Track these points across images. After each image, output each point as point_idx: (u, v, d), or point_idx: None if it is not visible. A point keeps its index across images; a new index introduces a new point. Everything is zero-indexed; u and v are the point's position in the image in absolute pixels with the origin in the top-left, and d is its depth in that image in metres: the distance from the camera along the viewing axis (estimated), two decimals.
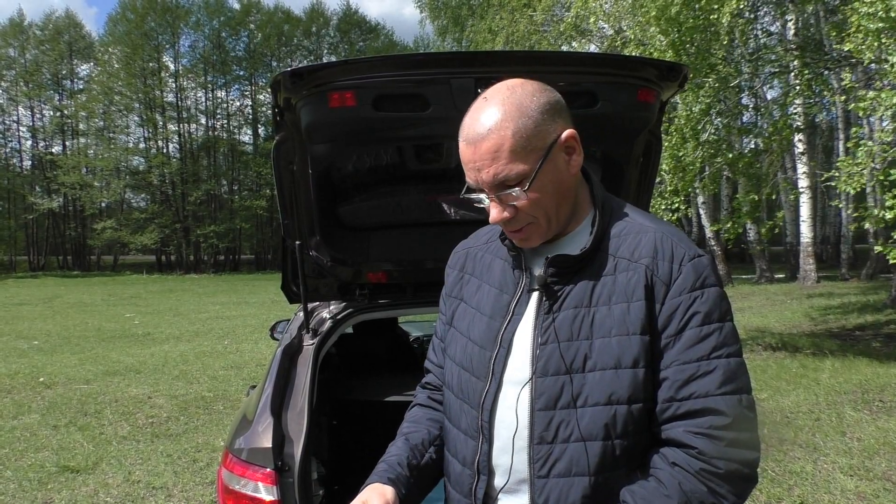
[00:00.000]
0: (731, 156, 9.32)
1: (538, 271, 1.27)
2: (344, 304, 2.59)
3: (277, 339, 4.28)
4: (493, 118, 1.17)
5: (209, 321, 15.06)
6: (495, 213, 1.21)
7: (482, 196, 1.23)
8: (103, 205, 44.75)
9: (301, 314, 2.57)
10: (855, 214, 7.85)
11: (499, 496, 1.27)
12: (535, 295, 1.27)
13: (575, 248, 1.25)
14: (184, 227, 40.96)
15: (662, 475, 1.14)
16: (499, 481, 1.26)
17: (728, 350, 1.15)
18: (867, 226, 7.70)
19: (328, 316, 2.53)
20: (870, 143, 7.18)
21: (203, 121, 46.53)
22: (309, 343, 2.39)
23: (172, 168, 42.86)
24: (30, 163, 45.79)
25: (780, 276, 22.96)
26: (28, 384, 8.26)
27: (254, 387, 3.33)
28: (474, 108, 1.22)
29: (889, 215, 6.72)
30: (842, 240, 23.20)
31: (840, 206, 15.77)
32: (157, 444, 5.82)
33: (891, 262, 7.08)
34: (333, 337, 2.47)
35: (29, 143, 44.98)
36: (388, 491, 1.28)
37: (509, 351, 1.27)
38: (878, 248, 7.20)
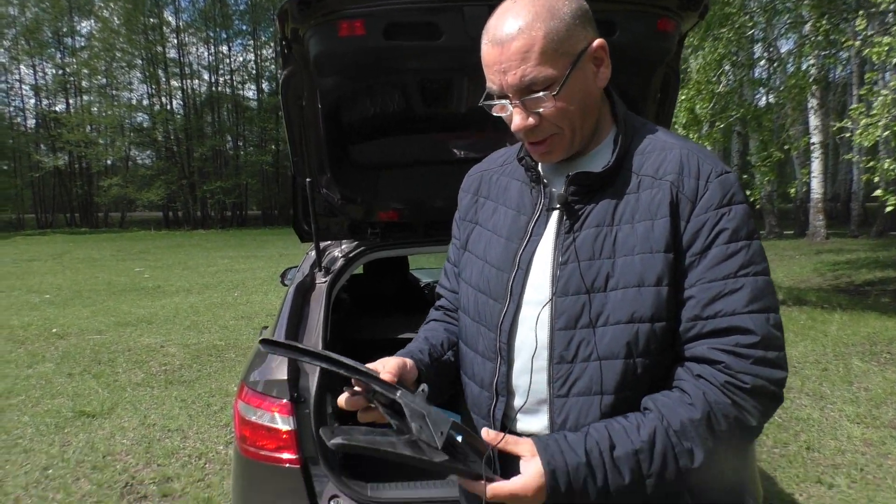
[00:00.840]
0: (742, 109, 9.19)
1: (557, 191, 1.25)
2: (355, 243, 2.58)
3: (287, 286, 4.31)
4: (523, 18, 1.13)
5: (218, 274, 15.15)
6: (519, 119, 1.18)
7: (504, 102, 1.19)
8: (109, 162, 44.62)
9: (312, 253, 2.56)
10: (868, 166, 7.77)
11: (517, 416, 1.27)
12: (554, 214, 1.25)
13: (597, 166, 1.22)
14: (190, 184, 40.84)
15: (686, 386, 1.13)
16: (517, 402, 1.26)
17: (756, 268, 1.13)
18: (876, 179, 7.64)
19: (339, 255, 2.53)
20: (884, 91, 7.06)
21: (206, 77, 46.05)
22: (321, 281, 2.39)
23: (177, 124, 42.57)
24: (34, 121, 45.57)
25: (789, 232, 22.86)
26: (41, 335, 8.36)
27: (266, 328, 3.35)
28: (502, 8, 1.18)
29: None
30: (852, 197, 23.02)
31: (854, 159, 15.59)
32: (171, 391, 5.91)
33: (889, 208, 7.04)
34: (346, 275, 2.47)
35: (32, 101, 44.67)
36: (409, 361, 1.29)
37: (528, 272, 1.25)
38: (889, 207, 7.13)
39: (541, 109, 1.17)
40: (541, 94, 1.15)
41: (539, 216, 1.26)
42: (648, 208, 1.17)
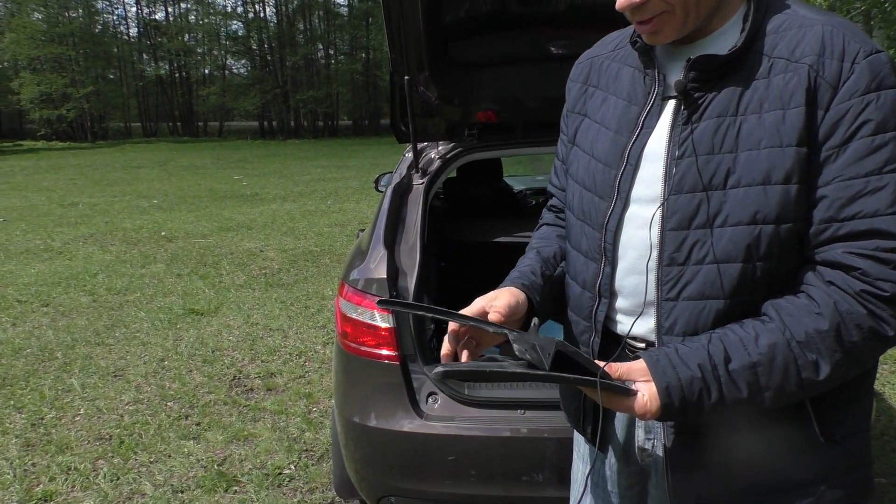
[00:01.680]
0: (868, 0, 8.35)
1: (675, 78, 1.12)
2: (452, 144, 2.53)
3: (382, 191, 4.33)
4: None
5: (312, 182, 15.52)
6: None
7: None
8: (206, 71, 45.76)
9: (409, 155, 2.54)
10: None
11: (620, 318, 1.22)
12: (669, 105, 1.14)
13: (722, 49, 1.09)
14: (283, 93, 41.50)
15: (815, 292, 1.03)
16: (621, 304, 1.20)
17: None
18: None
19: (436, 156, 2.49)
20: None
21: None
22: (418, 182, 2.37)
23: (270, 32, 42.96)
24: (136, 30, 47.00)
25: None
26: (152, 238, 8.87)
27: (363, 230, 3.40)
28: None
29: None
30: None
31: None
32: (271, 293, 6.19)
33: None
34: (443, 176, 2.44)
35: (134, 9, 45.94)
36: (520, 294, 1.24)
37: (637, 167, 1.16)
38: None
39: None
40: None
41: (652, 107, 1.15)
42: (780, 96, 1.03)
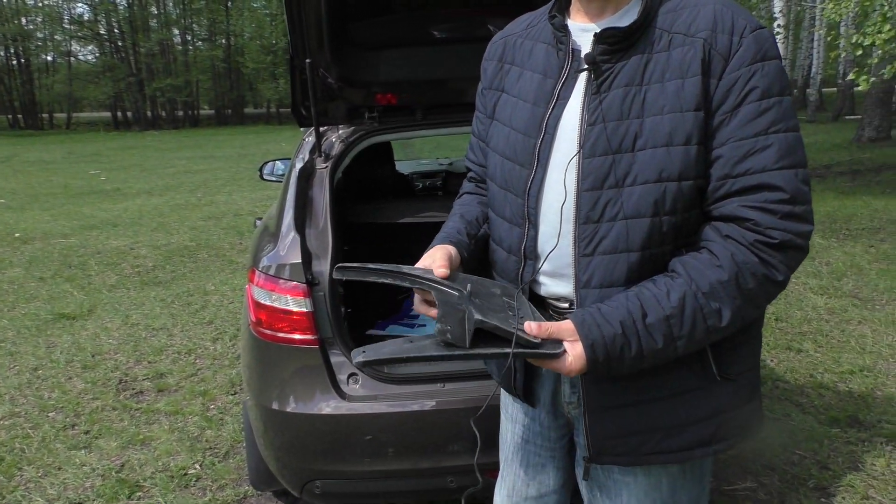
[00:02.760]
0: None
1: (585, 51, 1.23)
2: (352, 128, 2.53)
3: (268, 179, 4.22)
4: None
5: (178, 175, 14.80)
6: None
7: None
8: (49, 58, 42.22)
9: (309, 139, 2.51)
10: (835, 42, 7.83)
11: (543, 280, 1.31)
12: (581, 76, 1.24)
13: (624, 23, 1.20)
14: (138, 81, 39.05)
15: (714, 247, 1.16)
16: (545, 266, 1.29)
17: (786, 124, 1.14)
18: (843, 55, 7.71)
19: (337, 140, 2.48)
20: None
21: None
22: (322, 167, 2.36)
23: (120, 16, 40.22)
24: None
25: None
26: (4, 240, 8.16)
27: (260, 219, 3.32)
28: None
29: (867, 41, 6.73)
30: (809, 83, 23.18)
31: (818, 31, 15.73)
32: (148, 291, 5.89)
33: (860, 87, 7.18)
34: (346, 160, 2.44)
35: None
36: (452, 249, 1.31)
37: (554, 136, 1.25)
38: (851, 76, 7.26)
39: None
40: None
41: (566, 79, 1.25)
42: (679, 67, 1.16)
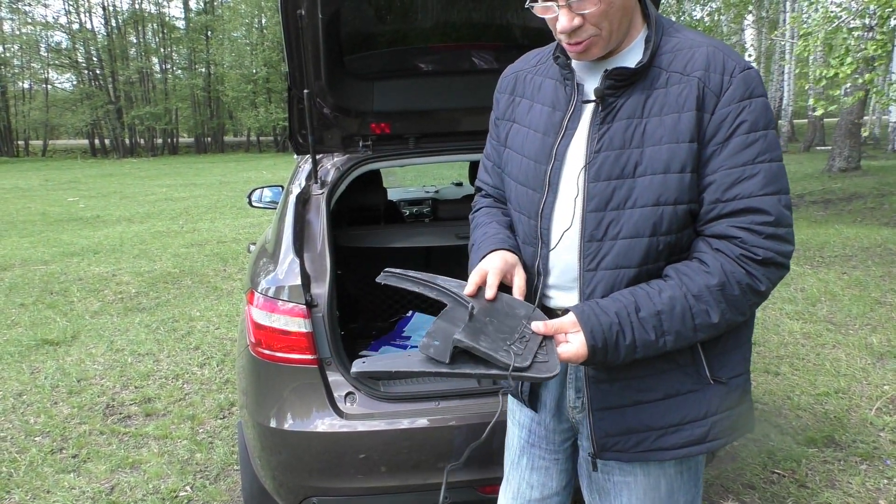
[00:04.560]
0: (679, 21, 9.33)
1: (590, 87, 1.36)
2: (347, 155, 2.62)
3: (257, 206, 4.29)
4: None
5: (158, 203, 14.76)
6: (565, 21, 1.26)
7: (550, 4, 1.27)
8: (26, 85, 41.99)
9: (305, 166, 2.59)
10: (801, 72, 8.15)
11: (552, 294, 1.44)
12: (588, 108, 1.37)
13: (630, 63, 1.33)
14: (116, 109, 38.96)
15: (705, 257, 1.29)
16: (553, 280, 1.42)
17: (771, 155, 1.27)
18: (808, 86, 8.02)
19: (332, 167, 2.57)
20: None
21: None
22: (318, 192, 2.44)
23: (99, 45, 40.22)
24: None
25: None
26: None
27: (254, 243, 3.38)
28: None
29: (829, 73, 7.05)
30: (781, 114, 23.78)
31: (788, 65, 16.26)
32: (132, 317, 5.88)
33: (817, 112, 7.49)
34: (341, 186, 2.52)
35: None
36: (508, 254, 1.44)
37: (563, 163, 1.38)
38: (810, 101, 7.56)
39: (587, 11, 1.25)
40: None
41: (573, 111, 1.38)
42: (676, 102, 1.29)
